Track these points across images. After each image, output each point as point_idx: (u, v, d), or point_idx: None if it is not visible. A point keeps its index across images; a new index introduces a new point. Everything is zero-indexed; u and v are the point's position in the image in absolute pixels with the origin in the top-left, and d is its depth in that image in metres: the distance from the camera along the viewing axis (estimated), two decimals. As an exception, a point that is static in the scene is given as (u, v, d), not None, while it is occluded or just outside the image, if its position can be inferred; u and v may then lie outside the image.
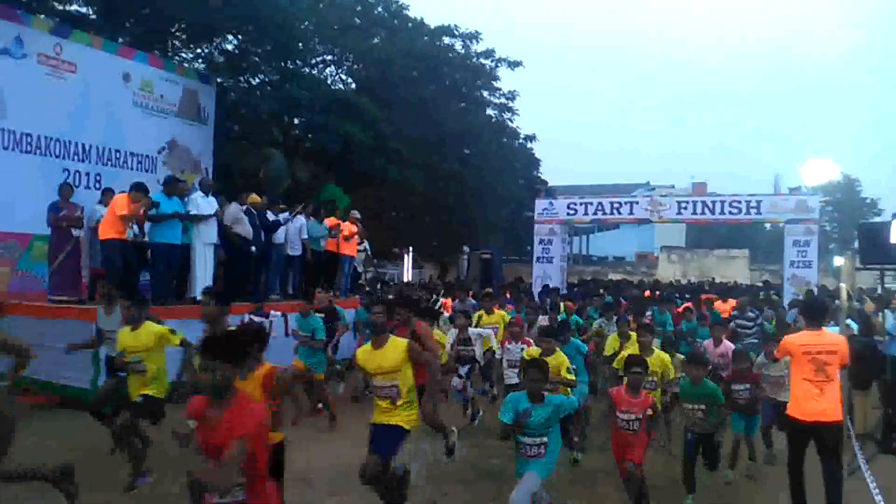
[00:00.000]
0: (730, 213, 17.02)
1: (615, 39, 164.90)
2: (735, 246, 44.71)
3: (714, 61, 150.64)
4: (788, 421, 5.61)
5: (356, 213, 14.30)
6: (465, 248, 29.36)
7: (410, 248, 25.74)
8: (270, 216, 11.84)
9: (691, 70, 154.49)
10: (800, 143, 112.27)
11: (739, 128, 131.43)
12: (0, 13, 11.34)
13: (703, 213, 17.30)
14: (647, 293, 17.82)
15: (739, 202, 16.97)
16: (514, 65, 24.37)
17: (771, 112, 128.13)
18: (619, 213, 18.10)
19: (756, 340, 10.35)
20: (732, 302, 13.47)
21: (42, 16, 14.05)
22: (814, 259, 16.35)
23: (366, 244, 15.41)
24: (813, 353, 5.45)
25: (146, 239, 9.66)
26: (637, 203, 18.15)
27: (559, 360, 6.53)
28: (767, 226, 26.86)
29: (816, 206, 16.56)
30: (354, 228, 13.69)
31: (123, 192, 9.23)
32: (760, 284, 24.04)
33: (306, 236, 12.51)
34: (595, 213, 18.24)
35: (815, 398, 5.37)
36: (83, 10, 15.99)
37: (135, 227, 9.47)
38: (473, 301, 12.64)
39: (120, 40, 14.49)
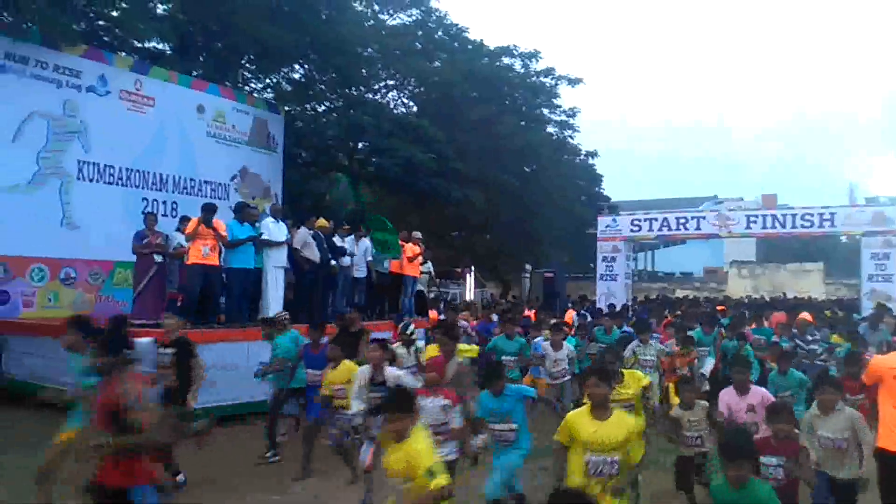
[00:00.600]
0: (802, 226, 16.49)
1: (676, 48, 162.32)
2: (809, 259, 43.15)
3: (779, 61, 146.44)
4: (880, 454, 4.82)
5: (418, 234, 14.47)
6: (527, 266, 29.29)
7: (472, 268, 25.85)
8: (337, 240, 12.16)
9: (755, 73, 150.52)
10: (875, 149, 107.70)
11: (810, 135, 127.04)
12: (87, 54, 12.11)
13: (773, 226, 16.81)
14: (721, 308, 17.38)
15: (812, 215, 16.43)
16: (574, 82, 24.37)
17: (843, 119, 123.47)
18: (686, 228, 17.76)
19: (822, 363, 9.18)
20: (780, 316, 12.80)
21: (123, 53, 14.90)
22: (894, 272, 15.65)
23: (429, 264, 15.57)
24: None
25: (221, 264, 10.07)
26: (704, 218, 17.78)
27: None
28: (843, 238, 25.83)
29: (895, 217, 15.87)
30: (417, 249, 13.86)
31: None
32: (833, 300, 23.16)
33: (371, 258, 12.78)
34: (660, 229, 17.96)
35: None
36: (160, 46, 16.84)
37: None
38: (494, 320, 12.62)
39: (193, 73, 15.19)
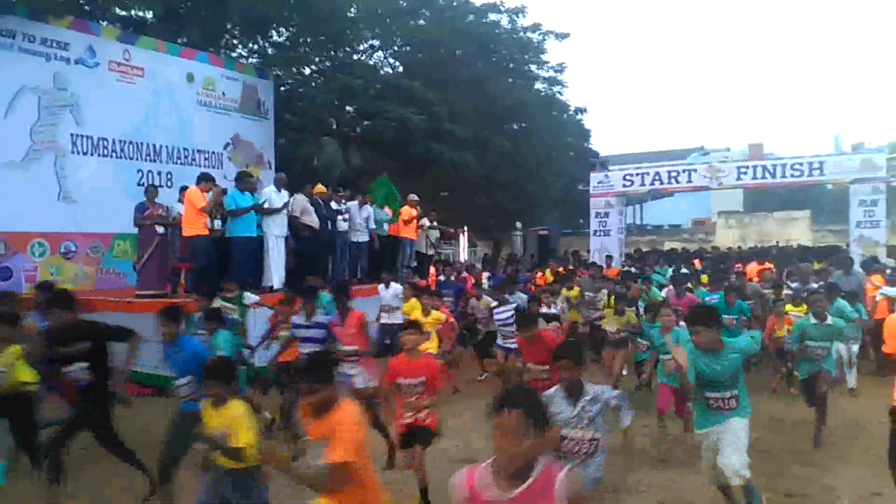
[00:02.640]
0: (791, 175, 16.64)
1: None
2: (796, 207, 43.57)
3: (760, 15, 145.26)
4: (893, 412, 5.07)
5: (414, 197, 14.50)
6: (518, 225, 29.42)
7: (465, 228, 25.95)
8: (334, 205, 12.24)
9: (741, 23, 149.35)
10: (861, 98, 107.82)
11: (794, 83, 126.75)
12: (74, 26, 11.95)
13: (763, 177, 16.95)
14: (697, 262, 17.69)
15: (801, 164, 16.57)
16: (561, 37, 24.17)
17: (826, 66, 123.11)
18: (677, 181, 17.88)
19: None
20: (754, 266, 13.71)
21: (106, 23, 14.66)
22: (882, 218, 15.89)
23: (435, 225, 15.72)
24: None
25: (224, 233, 10.16)
26: (695, 170, 17.90)
27: None
28: (829, 185, 26.11)
29: (883, 164, 16.04)
30: (413, 212, 13.97)
31: (193, 186, 9.80)
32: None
33: (374, 226, 12.92)
34: (652, 184, 18.08)
35: None
36: (142, 14, 16.55)
37: (217, 221, 9.98)
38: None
39: (179, 41, 15.00)
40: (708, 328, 4.71)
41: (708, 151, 55.77)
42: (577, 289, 11.99)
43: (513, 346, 8.21)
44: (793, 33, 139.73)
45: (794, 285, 11.25)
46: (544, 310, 9.05)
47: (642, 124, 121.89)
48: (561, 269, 15.78)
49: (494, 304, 9.56)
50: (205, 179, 9.78)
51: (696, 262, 17.94)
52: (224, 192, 10.04)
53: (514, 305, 9.18)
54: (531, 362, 6.04)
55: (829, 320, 6.88)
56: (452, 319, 9.76)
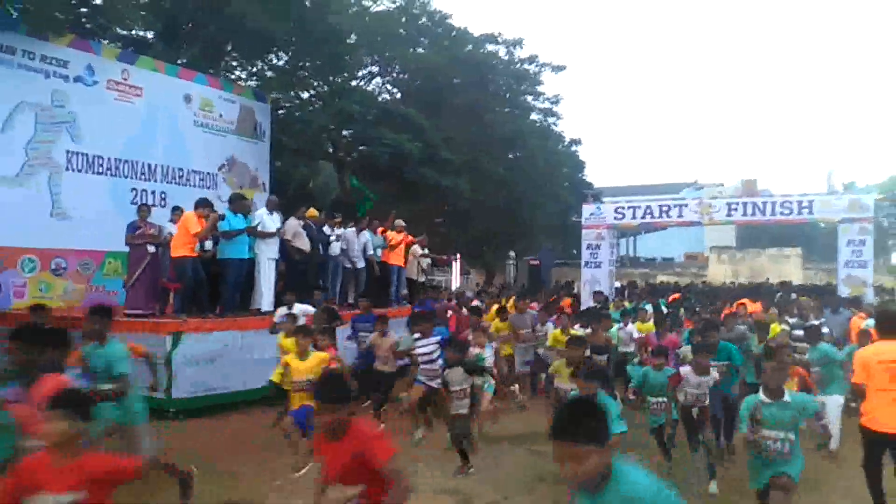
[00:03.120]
0: (781, 213, 16.80)
1: (657, 36, 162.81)
2: (788, 244, 43.80)
3: (758, 50, 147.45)
4: (862, 430, 5.49)
5: (401, 223, 14.45)
6: (511, 254, 29.53)
7: (458, 255, 26.04)
8: (326, 229, 12.30)
9: (737, 63, 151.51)
10: (854, 136, 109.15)
11: (789, 122, 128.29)
12: (74, 44, 12.07)
13: (753, 214, 17.12)
14: (676, 296, 17.64)
15: (791, 202, 16.75)
16: (557, 69, 24.56)
17: (822, 105, 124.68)
18: (668, 216, 18.02)
19: None
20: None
21: (106, 41, 14.82)
22: (869, 258, 16.02)
23: (426, 252, 15.72)
24: (887, 363, 5.34)
25: (216, 255, 10.17)
26: (686, 205, 18.06)
27: None
28: (822, 224, 26.35)
29: (871, 204, 16.23)
30: (399, 237, 13.92)
31: (190, 210, 9.82)
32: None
33: (372, 251, 13.01)
34: (643, 217, 18.20)
35: (890, 408, 5.25)
36: (143, 33, 16.73)
37: (208, 244, 10.00)
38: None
39: (179, 61, 15.15)
40: None
41: (702, 186, 56.26)
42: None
43: (437, 384, 7.35)
44: (788, 71, 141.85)
45: (791, 321, 11.25)
46: (477, 350, 7.90)
47: (637, 157, 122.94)
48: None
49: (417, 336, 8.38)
50: (203, 205, 9.77)
51: (675, 295, 17.66)
52: (221, 217, 10.04)
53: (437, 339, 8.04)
54: None
55: (788, 397, 4.78)
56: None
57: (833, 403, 7.35)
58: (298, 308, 9.14)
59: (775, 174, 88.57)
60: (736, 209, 17.35)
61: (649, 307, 12.80)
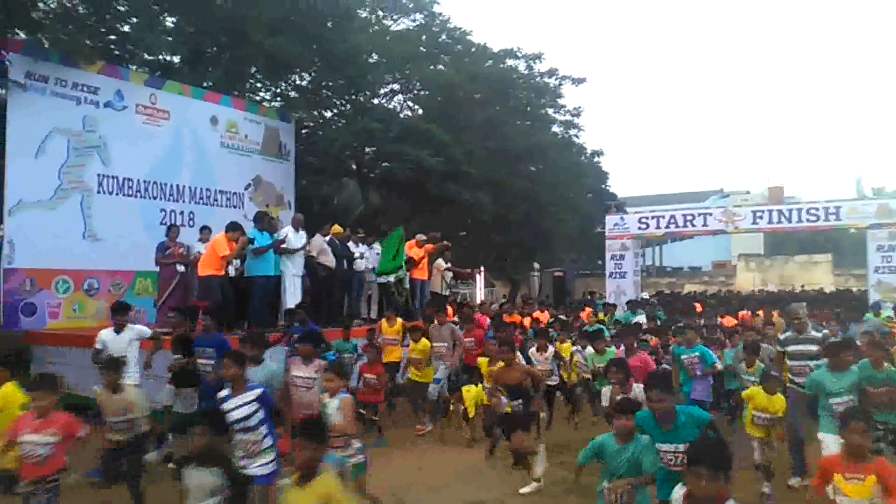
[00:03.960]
0: (808, 220, 16.67)
1: (681, 42, 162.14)
2: (817, 250, 43.22)
3: (786, 56, 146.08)
4: None
5: (422, 237, 14.43)
6: (536, 266, 29.51)
7: (482, 268, 26.09)
8: (351, 245, 12.46)
9: (764, 69, 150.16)
10: (884, 140, 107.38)
11: (817, 127, 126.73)
12: (104, 71, 12.44)
13: (779, 221, 16.99)
14: (700, 306, 17.46)
15: (817, 209, 16.62)
16: (578, 81, 24.57)
17: (850, 109, 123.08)
18: (693, 225, 17.96)
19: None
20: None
21: (134, 67, 15.22)
22: (899, 263, 15.84)
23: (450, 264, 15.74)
24: None
25: (243, 272, 10.36)
26: (710, 214, 18.00)
27: None
28: (852, 230, 26.02)
29: (900, 209, 16.04)
30: (421, 253, 13.90)
31: (221, 231, 10.02)
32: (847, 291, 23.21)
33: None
34: (668, 227, 18.18)
35: None
36: (169, 58, 17.14)
37: (236, 262, 10.19)
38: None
39: (204, 84, 15.51)
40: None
41: (727, 194, 55.86)
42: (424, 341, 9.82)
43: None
44: (815, 76, 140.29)
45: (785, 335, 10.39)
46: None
47: (661, 166, 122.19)
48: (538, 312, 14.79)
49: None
50: (233, 229, 9.94)
51: (699, 305, 17.57)
52: (251, 241, 10.20)
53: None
54: None
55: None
56: None
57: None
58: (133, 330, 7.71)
59: (803, 180, 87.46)
60: (762, 217, 17.24)
61: (642, 317, 12.47)
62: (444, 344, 9.68)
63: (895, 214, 15.82)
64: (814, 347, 6.98)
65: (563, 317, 14.00)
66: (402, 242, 12.98)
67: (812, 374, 6.28)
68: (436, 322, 9.96)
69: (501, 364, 7.21)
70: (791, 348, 7.25)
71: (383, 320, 10.64)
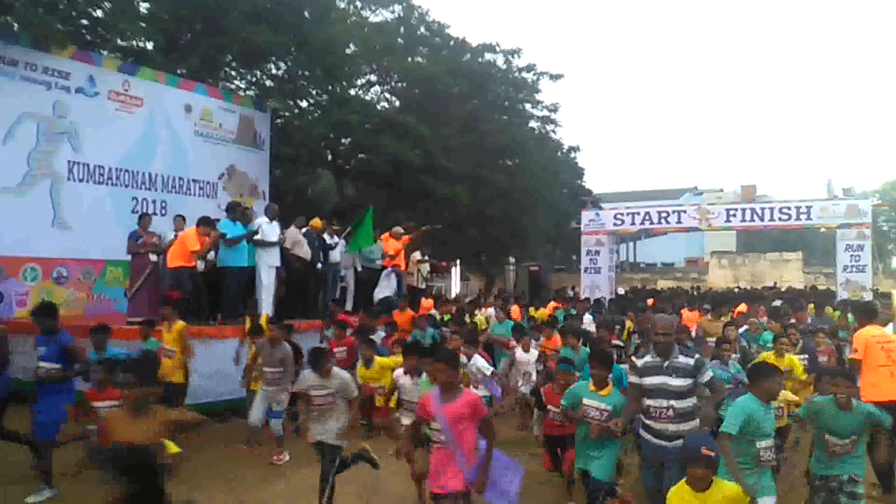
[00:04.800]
0: (780, 219, 16.96)
1: (656, 40, 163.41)
2: (788, 248, 43.91)
3: (759, 55, 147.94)
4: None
5: (399, 230, 14.31)
6: (511, 260, 29.61)
7: (458, 261, 26.11)
8: (327, 238, 12.39)
9: (737, 68, 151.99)
10: (854, 141, 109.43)
11: (789, 127, 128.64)
12: (76, 56, 12.20)
13: (752, 219, 17.25)
14: (652, 301, 17.41)
15: (789, 208, 16.89)
16: (555, 77, 24.65)
17: (822, 111, 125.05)
18: (667, 221, 18.15)
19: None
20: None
21: (107, 53, 14.94)
22: (867, 263, 16.16)
23: (426, 258, 15.77)
24: (882, 343, 6.58)
25: (216, 264, 10.25)
26: (685, 211, 18.20)
27: None
28: (822, 229, 26.52)
29: (868, 210, 16.36)
30: (399, 246, 13.89)
31: (191, 226, 9.93)
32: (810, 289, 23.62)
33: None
34: (642, 223, 18.35)
35: (890, 380, 6.38)
36: (143, 44, 16.85)
37: (210, 255, 10.08)
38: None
39: (178, 71, 15.29)
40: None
41: (701, 192, 56.53)
42: None
43: None
44: (788, 76, 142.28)
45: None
46: None
47: (636, 163, 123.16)
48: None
49: None
50: (204, 224, 9.87)
51: (651, 301, 17.17)
52: (222, 236, 10.10)
53: None
54: None
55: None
56: None
57: None
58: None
59: (775, 179, 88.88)
60: (735, 215, 17.48)
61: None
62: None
63: (864, 215, 16.16)
64: (682, 382, 4.91)
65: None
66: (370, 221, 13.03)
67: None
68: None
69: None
70: (648, 381, 5.04)
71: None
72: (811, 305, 13.89)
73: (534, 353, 9.16)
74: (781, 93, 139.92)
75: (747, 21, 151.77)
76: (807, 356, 8.33)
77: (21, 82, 11.36)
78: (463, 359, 6.69)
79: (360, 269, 13.26)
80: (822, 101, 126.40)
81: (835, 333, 10.05)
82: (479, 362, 7.53)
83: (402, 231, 14.49)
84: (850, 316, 10.35)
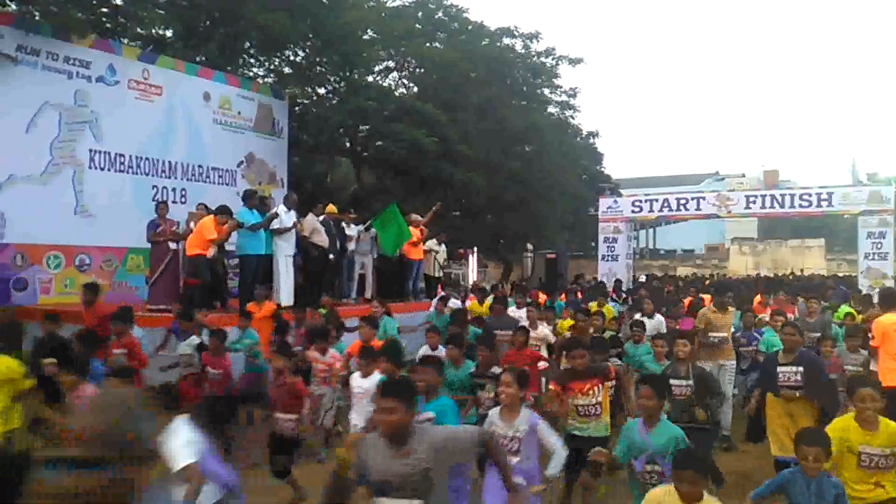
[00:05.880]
0: (800, 205, 16.72)
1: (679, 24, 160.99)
2: (810, 235, 43.40)
3: (786, 38, 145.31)
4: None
5: (418, 217, 14.45)
6: (529, 247, 29.52)
7: (475, 249, 26.09)
8: (343, 225, 12.45)
9: (762, 51, 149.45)
10: (880, 125, 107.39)
11: (814, 110, 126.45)
12: (96, 45, 12.32)
13: (772, 206, 17.03)
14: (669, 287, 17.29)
15: (810, 195, 16.66)
16: (574, 62, 24.40)
17: (848, 93, 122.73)
18: (686, 208, 17.97)
19: None
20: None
21: (126, 41, 15.07)
22: (890, 251, 15.91)
23: (443, 247, 15.78)
24: None
25: (234, 251, 10.38)
26: (704, 198, 17.99)
27: None
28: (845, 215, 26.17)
29: (891, 196, 16.08)
30: (419, 233, 13.99)
31: (209, 216, 10.04)
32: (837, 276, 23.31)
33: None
34: (661, 210, 18.19)
35: None
36: (162, 32, 16.96)
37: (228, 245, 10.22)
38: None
39: (196, 59, 15.37)
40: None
41: (723, 177, 55.91)
42: None
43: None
44: (812, 61, 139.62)
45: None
46: None
47: (658, 148, 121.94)
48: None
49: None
50: (222, 213, 9.97)
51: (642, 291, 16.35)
52: (240, 225, 10.21)
53: None
54: None
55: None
56: None
57: None
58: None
59: (798, 164, 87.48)
60: (755, 201, 17.26)
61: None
62: None
63: (886, 201, 15.89)
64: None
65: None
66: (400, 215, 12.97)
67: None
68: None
69: None
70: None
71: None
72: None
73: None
74: (806, 75, 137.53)
75: (771, 5, 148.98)
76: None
77: (43, 72, 11.50)
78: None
79: (376, 256, 13.29)
80: (848, 83, 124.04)
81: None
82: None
83: (420, 218, 14.53)
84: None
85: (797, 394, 5.66)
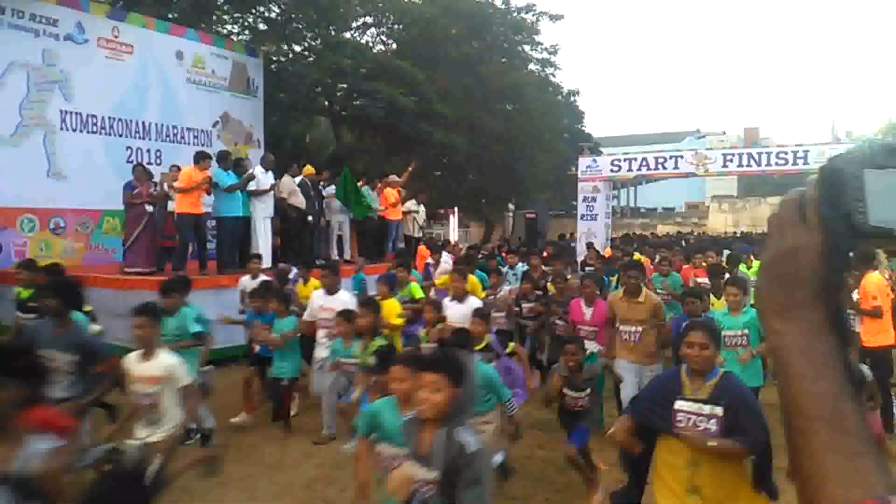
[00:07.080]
0: (777, 164, 16.79)
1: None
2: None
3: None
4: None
5: (396, 178, 14.36)
6: (510, 207, 29.59)
7: (456, 209, 26.11)
8: (321, 186, 12.41)
9: (744, 8, 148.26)
10: (859, 84, 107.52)
11: (795, 68, 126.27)
12: (63, 2, 11.97)
13: (749, 164, 17.08)
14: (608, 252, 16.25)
15: (786, 153, 16.73)
16: (555, 18, 24.16)
17: (828, 52, 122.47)
18: (664, 167, 17.97)
19: None
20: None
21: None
22: (865, 208, 16.10)
23: (421, 208, 15.75)
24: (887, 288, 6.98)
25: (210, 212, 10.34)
26: (682, 157, 17.99)
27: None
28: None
29: (868, 154, 16.21)
30: (397, 195, 13.97)
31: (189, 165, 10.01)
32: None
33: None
34: (639, 169, 18.17)
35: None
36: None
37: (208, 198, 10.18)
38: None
39: (169, 16, 15.01)
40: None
41: (704, 135, 56.05)
42: None
43: None
44: (793, 18, 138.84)
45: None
46: None
47: (639, 106, 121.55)
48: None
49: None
50: (202, 158, 9.99)
51: (608, 251, 15.12)
52: (214, 185, 10.16)
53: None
54: None
55: None
56: None
57: None
58: None
59: (779, 122, 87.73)
60: (732, 160, 17.31)
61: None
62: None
63: (862, 159, 16.01)
64: None
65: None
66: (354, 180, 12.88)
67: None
68: None
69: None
70: None
71: None
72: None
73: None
74: (787, 33, 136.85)
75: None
76: None
77: (8, 30, 11.20)
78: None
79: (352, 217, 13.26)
80: (828, 43, 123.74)
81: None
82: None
83: (399, 179, 14.50)
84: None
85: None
